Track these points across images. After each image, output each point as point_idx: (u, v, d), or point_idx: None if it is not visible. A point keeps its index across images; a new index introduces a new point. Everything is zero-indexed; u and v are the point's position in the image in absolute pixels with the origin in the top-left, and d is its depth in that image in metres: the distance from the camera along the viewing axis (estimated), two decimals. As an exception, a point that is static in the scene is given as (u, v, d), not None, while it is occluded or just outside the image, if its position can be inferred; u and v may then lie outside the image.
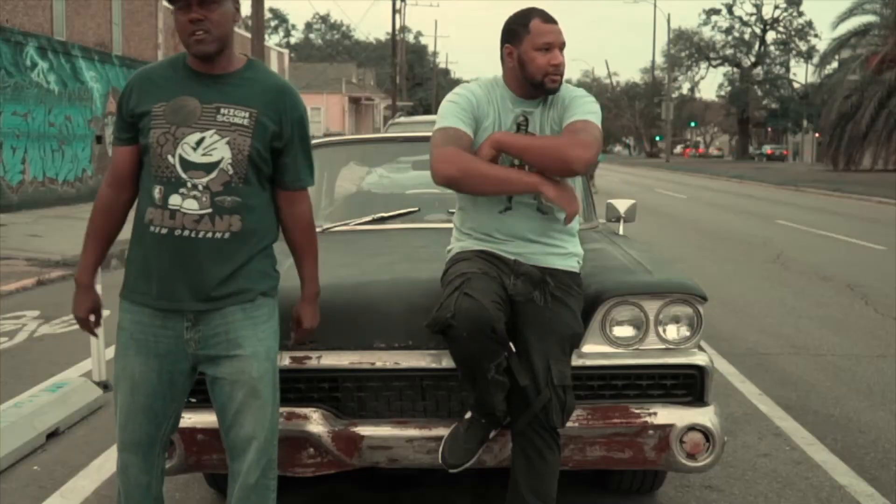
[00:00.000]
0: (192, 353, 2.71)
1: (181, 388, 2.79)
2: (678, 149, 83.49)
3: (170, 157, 2.60)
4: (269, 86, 2.71)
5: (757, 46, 66.97)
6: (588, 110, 3.06)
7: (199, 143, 2.61)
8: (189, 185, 2.60)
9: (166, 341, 2.69)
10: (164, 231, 2.62)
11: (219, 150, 2.61)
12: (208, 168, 2.61)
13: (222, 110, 2.63)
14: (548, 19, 3.05)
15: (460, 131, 3.04)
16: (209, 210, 2.62)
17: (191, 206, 2.61)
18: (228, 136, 2.62)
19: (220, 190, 2.62)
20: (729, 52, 67.97)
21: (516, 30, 3.06)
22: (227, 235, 2.64)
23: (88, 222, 2.78)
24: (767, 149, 68.44)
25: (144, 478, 2.80)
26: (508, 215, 3.12)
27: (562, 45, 3.04)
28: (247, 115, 2.64)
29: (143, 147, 2.66)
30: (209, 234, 2.62)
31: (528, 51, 3.02)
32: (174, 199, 2.61)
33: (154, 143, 2.61)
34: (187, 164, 2.60)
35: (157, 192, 2.62)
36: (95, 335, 2.89)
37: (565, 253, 3.18)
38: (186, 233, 2.61)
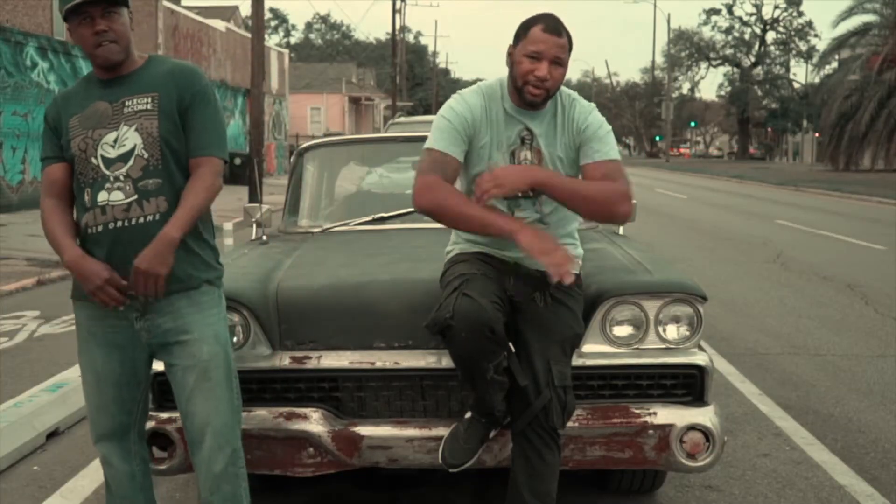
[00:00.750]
0: (147, 342, 2.79)
1: (144, 374, 2.87)
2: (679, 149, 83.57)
3: (93, 160, 2.72)
4: (168, 69, 2.81)
5: (757, 46, 66.98)
6: (612, 144, 3.05)
7: (115, 140, 2.72)
8: (111, 178, 2.71)
9: (123, 331, 2.78)
10: (99, 228, 2.72)
11: (130, 138, 2.72)
12: (125, 158, 2.72)
13: (127, 103, 2.74)
14: (550, 29, 2.95)
15: (448, 156, 2.99)
16: (134, 196, 2.71)
17: (117, 197, 2.71)
18: (136, 123, 2.72)
19: (140, 175, 2.72)
20: (729, 52, 67.97)
21: (519, 31, 3.02)
22: (157, 217, 2.72)
23: (46, 223, 2.79)
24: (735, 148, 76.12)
25: (126, 466, 2.89)
26: None
27: (555, 59, 2.94)
28: (149, 99, 2.74)
29: (70, 160, 2.76)
30: (140, 220, 2.71)
31: (519, 55, 2.98)
32: (101, 196, 2.71)
33: (76, 150, 2.73)
34: (108, 162, 2.72)
35: (86, 195, 2.73)
36: (128, 297, 2.66)
37: (566, 255, 3.17)
38: (119, 223, 2.70)
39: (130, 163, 2.71)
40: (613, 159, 3.03)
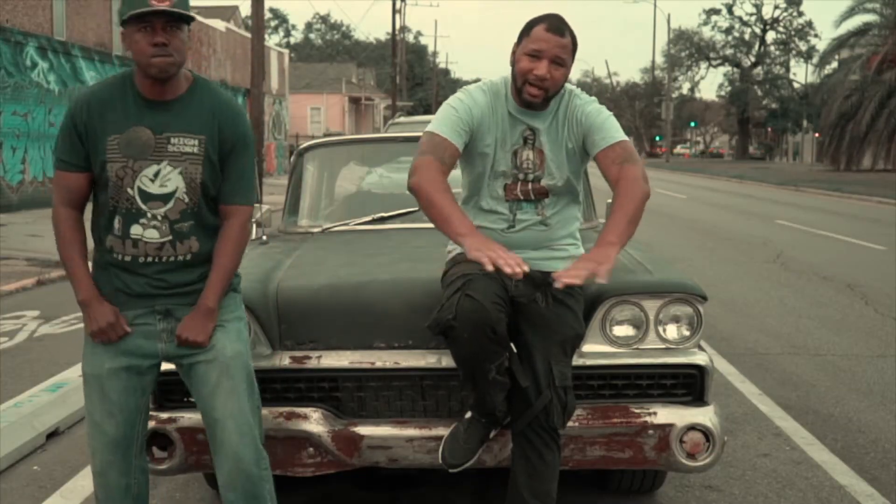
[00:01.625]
0: (164, 344, 2.77)
1: (149, 380, 2.84)
2: (678, 148, 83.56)
3: (129, 190, 2.66)
4: (214, 107, 2.74)
5: (757, 46, 66.97)
6: (615, 127, 3.02)
7: (156, 174, 2.67)
8: (149, 215, 2.68)
9: (135, 338, 2.75)
10: (127, 258, 2.71)
11: (173, 180, 2.68)
12: (165, 198, 2.68)
13: (172, 140, 2.67)
14: (553, 29, 2.94)
15: (447, 141, 2.97)
16: (169, 237, 2.71)
17: (152, 235, 2.69)
18: (181, 167, 2.68)
19: (178, 218, 2.70)
20: (729, 52, 67.96)
21: (523, 31, 3.01)
22: (188, 257, 2.74)
23: (62, 243, 2.74)
24: (710, 147, 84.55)
25: (123, 480, 2.84)
26: (512, 232, 3.11)
27: (555, 58, 2.92)
28: (196, 142, 2.69)
29: (99, 177, 2.70)
30: (171, 258, 2.72)
31: (520, 53, 2.97)
32: (135, 230, 2.69)
33: (113, 176, 2.66)
34: (146, 196, 2.67)
35: (116, 222, 2.69)
36: (128, 331, 2.76)
37: (566, 256, 3.17)
38: (150, 259, 2.71)
39: (170, 205, 2.68)
40: (620, 140, 3.01)
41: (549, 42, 2.92)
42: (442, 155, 2.95)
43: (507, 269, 2.59)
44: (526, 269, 2.62)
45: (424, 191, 2.88)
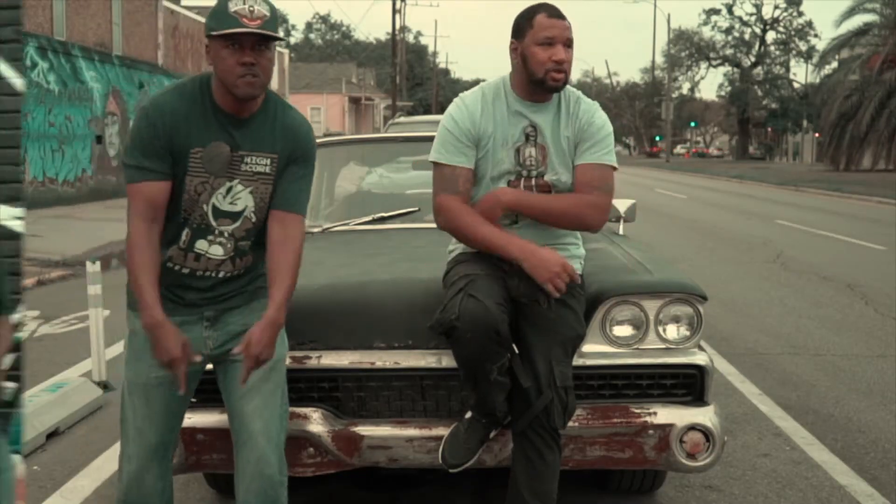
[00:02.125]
0: (208, 351, 2.75)
1: (191, 388, 2.82)
2: (678, 149, 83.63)
3: (204, 206, 2.64)
4: (286, 126, 2.70)
5: (757, 46, 66.94)
6: (608, 148, 3.07)
7: (227, 191, 2.65)
8: (216, 231, 2.66)
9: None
10: (185, 270, 2.69)
11: (243, 199, 2.66)
12: (234, 216, 2.66)
13: (246, 159, 2.64)
14: (554, 14, 2.99)
15: (456, 168, 3.03)
16: (231, 254, 2.70)
17: (216, 251, 2.68)
18: (252, 186, 2.65)
19: (243, 236, 2.69)
20: (729, 52, 67.93)
21: (521, 24, 3.03)
22: (242, 271, 2.74)
23: (134, 261, 2.57)
24: (694, 148, 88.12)
25: (160, 483, 2.80)
26: (514, 228, 3.11)
27: (566, 42, 2.98)
28: (268, 161, 2.66)
29: (175, 188, 2.62)
30: (228, 274, 2.71)
31: (530, 46, 2.98)
32: (200, 245, 2.67)
33: (192, 190, 2.62)
34: (218, 213, 2.65)
35: (184, 234, 2.66)
36: (195, 362, 2.63)
37: (568, 256, 3.17)
38: (208, 273, 2.69)
39: (238, 223, 2.66)
40: (604, 164, 3.06)
41: (557, 27, 2.98)
42: (455, 185, 3.03)
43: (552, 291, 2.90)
44: (575, 277, 2.96)
45: (460, 229, 3.02)
